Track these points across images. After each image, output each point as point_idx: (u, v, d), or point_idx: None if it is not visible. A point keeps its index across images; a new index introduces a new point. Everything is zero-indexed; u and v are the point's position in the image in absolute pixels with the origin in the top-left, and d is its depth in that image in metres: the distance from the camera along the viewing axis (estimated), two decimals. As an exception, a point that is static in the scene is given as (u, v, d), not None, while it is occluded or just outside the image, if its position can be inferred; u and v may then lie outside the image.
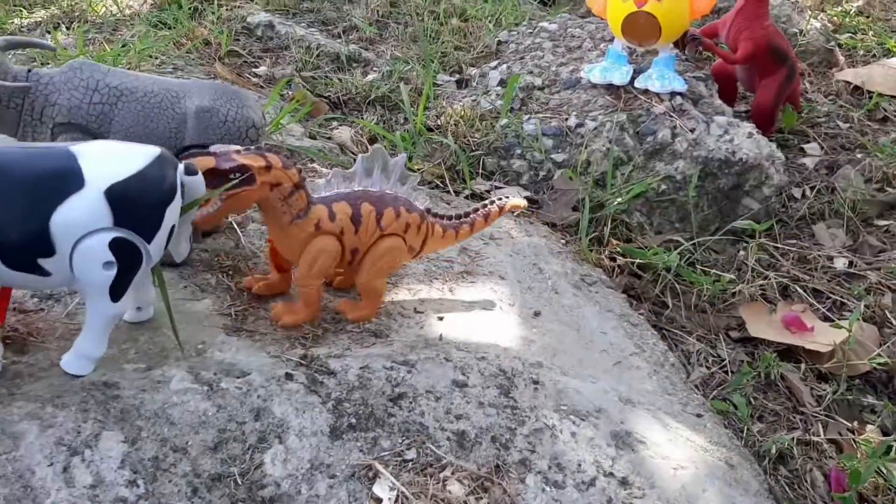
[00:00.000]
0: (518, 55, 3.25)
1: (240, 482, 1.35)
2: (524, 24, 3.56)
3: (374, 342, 1.74)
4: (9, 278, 1.37)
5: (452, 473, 1.44)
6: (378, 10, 3.68)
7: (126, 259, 1.36)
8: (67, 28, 2.97)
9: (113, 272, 1.35)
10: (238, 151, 1.57)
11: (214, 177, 1.52)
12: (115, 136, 1.69)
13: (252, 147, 1.60)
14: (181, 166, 1.43)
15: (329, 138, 2.70)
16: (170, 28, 3.12)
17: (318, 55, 3.14)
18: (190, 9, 3.28)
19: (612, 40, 2.95)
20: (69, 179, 1.32)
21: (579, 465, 1.53)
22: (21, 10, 3.13)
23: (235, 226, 2.03)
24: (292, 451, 1.41)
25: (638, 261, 2.48)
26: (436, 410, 1.56)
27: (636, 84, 2.84)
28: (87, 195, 1.32)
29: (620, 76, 2.87)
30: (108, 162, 1.36)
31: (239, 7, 3.35)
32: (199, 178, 1.45)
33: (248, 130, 1.75)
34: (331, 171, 1.76)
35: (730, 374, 2.20)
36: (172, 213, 1.41)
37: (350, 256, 1.74)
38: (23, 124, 1.71)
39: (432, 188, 2.59)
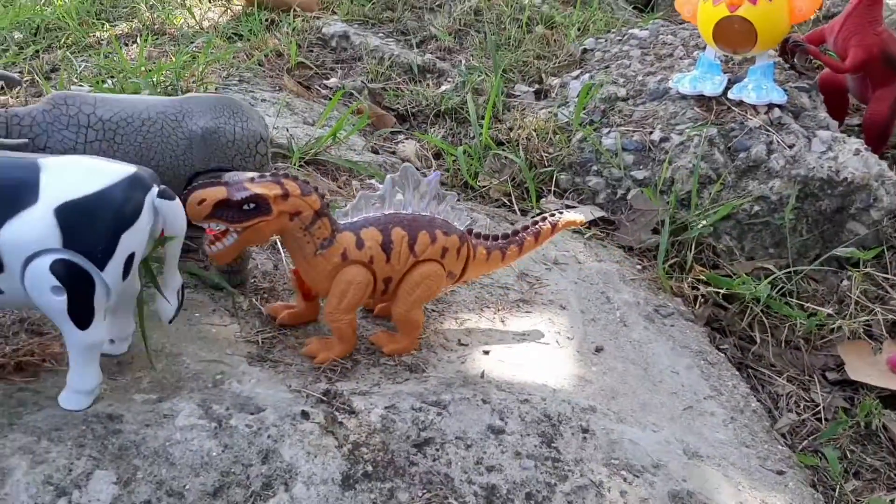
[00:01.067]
0: (603, 64, 3.05)
1: (236, 534, 1.22)
2: (613, 32, 3.35)
3: (408, 378, 1.59)
4: None
5: (475, 536, 1.27)
6: (460, 20, 3.55)
7: (74, 284, 1.25)
8: (145, 40, 2.97)
9: (63, 297, 1.25)
10: (252, 179, 1.44)
11: (227, 208, 1.41)
12: None
13: (268, 174, 1.47)
14: (154, 190, 1.30)
15: (393, 152, 2.58)
16: (244, 39, 3.08)
17: (390, 66, 3.04)
18: (267, 20, 3.24)
19: (704, 48, 2.71)
20: (24, 193, 1.22)
21: (626, 532, 1.34)
22: (103, 24, 3.16)
23: (280, 246, 1.92)
24: (298, 500, 1.28)
25: (724, 290, 2.24)
26: (465, 460, 1.40)
27: (730, 95, 2.59)
28: (37, 212, 1.22)
29: (712, 86, 2.63)
30: (69, 178, 1.25)
31: (316, 18, 3.28)
32: (176, 203, 1.32)
33: (258, 145, 1.63)
34: (358, 194, 1.62)
35: (823, 421, 1.94)
36: (131, 240, 1.27)
37: (383, 286, 1.59)
38: None
39: (497, 206, 2.43)
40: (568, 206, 2.48)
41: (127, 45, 3.00)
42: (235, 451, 1.33)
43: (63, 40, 2.99)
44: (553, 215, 1.82)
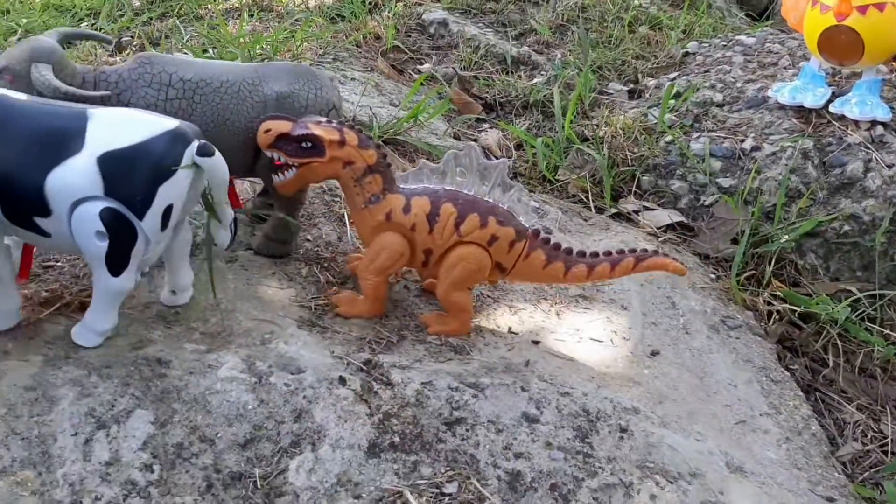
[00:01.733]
0: (703, 68, 2.96)
1: (259, 486, 1.26)
2: (719, 37, 3.25)
3: (451, 358, 1.59)
4: (13, 233, 1.37)
5: (492, 518, 1.27)
6: (563, 15, 3.51)
7: (117, 232, 1.30)
8: (250, 16, 3.07)
9: (105, 244, 1.30)
10: (318, 122, 1.54)
11: (287, 142, 1.52)
12: None
13: (335, 121, 1.55)
14: (194, 146, 1.34)
15: (475, 140, 2.58)
16: (345, 20, 3.15)
17: (484, 55, 3.04)
18: (370, 3, 3.30)
19: (809, 58, 2.59)
20: (71, 141, 1.29)
21: (649, 536, 1.30)
22: (216, -3, 3.29)
23: (347, 219, 1.96)
24: (322, 461, 1.31)
25: (801, 309, 2.14)
26: (493, 444, 1.39)
27: (831, 108, 2.48)
28: (82, 160, 1.29)
29: (814, 98, 2.51)
30: (113, 129, 1.31)
31: (418, 4, 3.32)
32: (216, 159, 1.36)
33: (329, 112, 1.67)
34: (419, 163, 1.63)
35: (889, 455, 1.83)
36: (169, 192, 1.32)
37: (423, 257, 1.60)
38: None
39: (574, 202, 2.40)
40: (646, 209, 2.42)
41: (234, 19, 3.11)
42: (270, 406, 1.37)
43: (177, 10, 3.13)
44: (645, 251, 1.67)
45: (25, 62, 1.52)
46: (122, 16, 3.01)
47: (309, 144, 1.52)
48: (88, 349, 1.42)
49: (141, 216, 1.31)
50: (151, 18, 3.03)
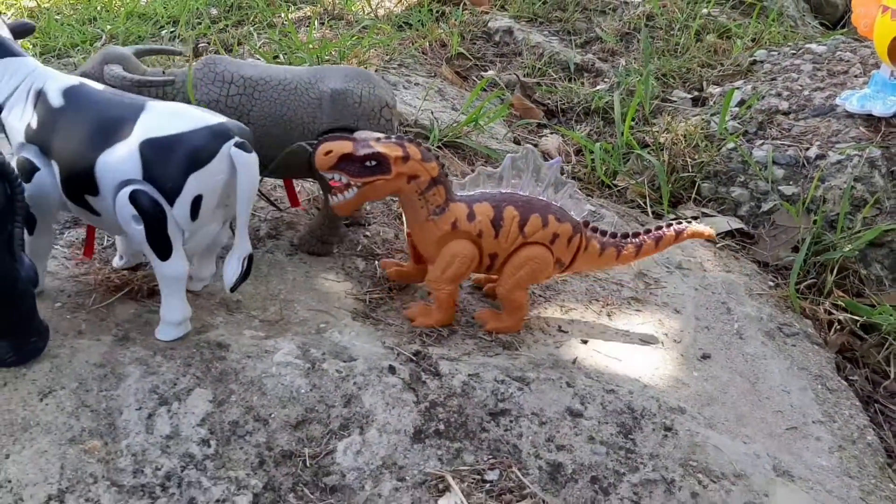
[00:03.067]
0: (770, 76, 2.93)
1: (308, 464, 1.32)
2: (789, 45, 3.20)
3: (500, 353, 1.63)
4: (71, 209, 1.47)
5: (531, 506, 1.29)
6: (630, 23, 3.52)
7: (148, 214, 1.37)
8: (321, 24, 3.17)
9: (141, 226, 1.38)
10: (378, 139, 1.52)
11: (351, 162, 1.48)
12: (255, 126, 1.68)
13: (393, 136, 1.55)
14: (232, 141, 1.39)
15: (536, 145, 2.61)
16: (412, 28, 3.22)
17: (548, 62, 3.07)
18: (437, 12, 3.36)
19: (880, 66, 2.54)
20: (124, 128, 1.38)
21: (688, 532, 1.31)
22: (289, 6, 3.41)
23: (404, 217, 2.01)
24: (369, 444, 1.35)
25: (863, 319, 2.10)
26: (536, 435, 1.42)
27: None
28: (128, 144, 1.37)
29: (883, 107, 2.47)
30: (161, 119, 1.39)
31: (484, 13, 3.37)
32: (251, 157, 1.40)
33: (382, 110, 1.72)
34: (477, 169, 1.67)
35: (950, 471, 1.78)
36: (199, 182, 1.38)
37: (489, 261, 1.63)
38: None
39: (631, 207, 2.40)
40: (705, 215, 2.41)
41: (305, 26, 3.22)
42: (322, 391, 1.43)
43: (251, 18, 3.25)
44: (680, 223, 1.79)
45: (99, 65, 1.65)
46: (200, 23, 3.15)
47: (374, 163, 1.49)
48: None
49: (171, 202, 1.38)
50: (227, 26, 3.16)
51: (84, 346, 1.45)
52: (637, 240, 1.75)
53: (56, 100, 1.45)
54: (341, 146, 1.48)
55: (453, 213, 1.59)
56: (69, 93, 1.46)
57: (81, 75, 1.64)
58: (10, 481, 1.21)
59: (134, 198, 1.36)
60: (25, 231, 1.39)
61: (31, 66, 1.51)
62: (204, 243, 1.52)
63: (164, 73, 1.72)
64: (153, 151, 1.37)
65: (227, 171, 1.40)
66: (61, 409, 1.32)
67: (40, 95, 1.47)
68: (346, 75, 1.73)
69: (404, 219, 1.65)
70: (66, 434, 1.29)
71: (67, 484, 1.22)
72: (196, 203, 1.40)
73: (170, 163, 1.37)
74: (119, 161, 1.38)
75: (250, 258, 1.46)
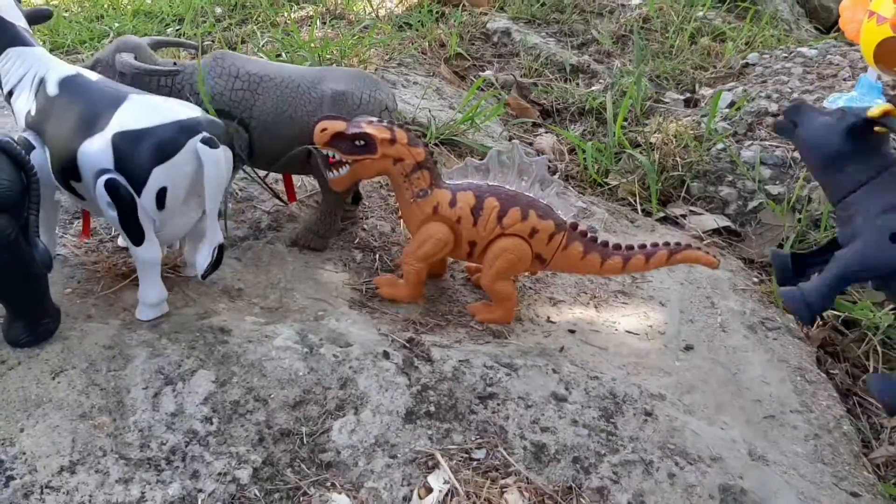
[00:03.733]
0: (761, 79, 3.01)
1: (305, 442, 1.39)
2: (780, 48, 3.28)
3: (490, 341, 1.70)
4: (63, 192, 1.55)
5: (515, 483, 1.37)
6: (626, 25, 3.59)
7: (120, 201, 1.44)
8: (323, 24, 3.24)
9: (115, 213, 1.45)
10: (370, 122, 1.65)
11: (342, 140, 1.62)
12: (256, 120, 1.76)
13: (385, 121, 1.66)
14: (198, 137, 1.46)
15: (530, 143, 2.68)
16: (412, 29, 3.29)
17: (544, 63, 3.14)
18: (437, 13, 3.44)
19: (867, 69, 2.61)
20: (103, 119, 1.46)
21: (664, 509, 1.38)
22: (292, 6, 3.48)
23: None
24: (363, 424, 1.43)
25: (843, 315, 2.17)
26: (522, 418, 1.49)
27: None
28: (103, 136, 1.45)
29: (869, 109, 2.53)
30: (137, 112, 1.46)
31: (483, 14, 3.44)
32: (217, 152, 1.46)
33: (381, 113, 1.79)
34: (465, 160, 1.75)
35: (923, 460, 1.85)
36: (163, 175, 1.45)
37: (468, 248, 1.71)
38: None
39: (622, 205, 2.48)
40: (694, 213, 2.49)
41: (307, 26, 3.29)
42: (319, 374, 1.51)
43: (255, 17, 3.33)
44: (677, 245, 1.75)
45: (112, 53, 1.73)
46: (204, 21, 3.22)
47: (362, 142, 1.62)
48: (160, 317, 1.58)
49: (138, 192, 1.45)
50: (231, 24, 3.24)
51: (93, 328, 1.53)
52: (627, 253, 1.74)
53: (52, 89, 1.55)
54: (335, 125, 1.64)
55: (436, 198, 1.69)
56: (63, 83, 1.56)
57: (95, 62, 1.73)
58: (24, 453, 1.29)
59: (107, 186, 1.43)
60: None
61: (38, 56, 1.59)
62: (182, 231, 1.59)
63: (174, 64, 1.79)
64: (124, 143, 1.44)
65: (194, 164, 1.47)
66: (72, 387, 1.40)
67: (41, 84, 1.55)
68: (348, 77, 1.79)
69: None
70: (76, 410, 1.36)
71: (78, 456, 1.29)
72: (161, 194, 1.47)
73: (137, 155, 1.44)
74: (96, 151, 1.45)
75: (220, 247, 1.54)
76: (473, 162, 1.72)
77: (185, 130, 1.46)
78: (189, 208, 1.55)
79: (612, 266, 1.74)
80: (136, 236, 1.49)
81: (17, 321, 1.44)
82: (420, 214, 1.69)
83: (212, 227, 1.52)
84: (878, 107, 1.55)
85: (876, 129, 1.51)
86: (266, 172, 1.98)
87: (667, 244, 1.75)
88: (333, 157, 1.65)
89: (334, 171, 1.67)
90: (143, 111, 1.47)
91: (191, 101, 1.75)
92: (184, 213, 1.54)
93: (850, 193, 1.52)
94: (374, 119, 1.66)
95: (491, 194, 1.68)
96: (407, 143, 1.65)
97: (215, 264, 1.54)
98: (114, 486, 1.26)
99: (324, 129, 1.63)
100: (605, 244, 1.75)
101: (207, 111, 1.72)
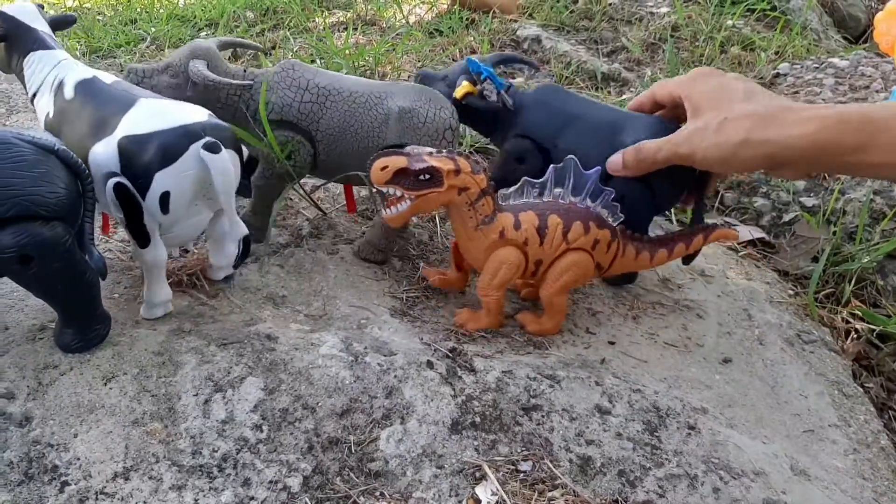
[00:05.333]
0: (792, 89, 3.00)
1: (353, 450, 1.40)
2: (811, 59, 3.27)
3: (531, 352, 1.71)
4: None
5: (562, 495, 1.37)
6: (656, 33, 3.59)
7: (126, 205, 1.45)
8: (355, 30, 3.26)
9: (121, 215, 1.47)
10: (430, 153, 1.58)
11: (405, 176, 1.54)
12: (323, 134, 1.75)
13: (444, 150, 1.62)
14: (201, 142, 1.45)
15: (562, 152, 2.69)
16: (443, 35, 3.30)
17: (575, 70, 3.15)
18: (467, 20, 3.45)
19: (901, 81, 2.61)
20: (112, 123, 1.48)
21: (710, 524, 1.39)
22: (323, 11, 3.50)
23: (436, 219, 2.10)
24: (409, 433, 1.44)
25: (879, 328, 2.17)
26: (567, 430, 1.50)
27: None
28: (110, 140, 1.46)
29: (904, 121, 2.52)
30: (144, 117, 1.47)
31: (513, 21, 3.45)
32: (221, 156, 1.46)
33: (445, 132, 1.77)
34: (521, 180, 1.74)
35: (962, 476, 1.85)
36: (166, 179, 1.45)
37: (534, 268, 1.71)
38: (236, 121, 1.77)
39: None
40: (728, 224, 2.49)
41: (339, 31, 3.31)
42: (365, 383, 1.52)
43: (287, 22, 3.35)
44: (706, 227, 1.90)
45: (185, 59, 1.73)
46: (237, 27, 3.24)
47: (428, 176, 1.55)
48: (209, 324, 1.59)
49: (143, 196, 1.46)
50: (264, 30, 3.26)
51: (142, 335, 1.55)
52: (670, 243, 1.87)
53: (69, 92, 1.58)
54: (396, 161, 1.54)
55: (501, 223, 1.67)
56: (79, 86, 1.58)
57: (167, 66, 1.73)
58: (78, 458, 1.30)
59: (115, 189, 1.44)
60: None
61: (60, 58, 1.61)
62: (193, 233, 1.60)
63: (245, 72, 1.80)
64: (129, 148, 1.45)
65: (197, 168, 1.47)
66: (124, 394, 1.42)
67: (60, 87, 1.58)
68: (414, 93, 1.78)
69: (453, 229, 1.72)
70: (129, 416, 1.38)
71: (132, 463, 1.31)
72: (165, 198, 1.48)
73: (140, 160, 1.45)
74: (104, 155, 1.47)
75: (246, 239, 1.59)
76: (529, 181, 1.72)
77: (187, 135, 1.47)
78: (198, 211, 1.57)
79: (660, 258, 1.85)
80: (142, 239, 1.51)
81: (68, 327, 1.46)
82: (486, 241, 1.66)
83: (233, 223, 1.58)
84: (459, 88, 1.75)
85: None
86: (322, 183, 1.99)
87: (702, 228, 1.89)
88: (391, 194, 1.56)
89: (392, 209, 1.58)
90: (149, 115, 1.49)
91: (257, 113, 1.78)
92: (192, 216, 1.56)
93: None
94: (432, 150, 1.60)
95: (551, 211, 1.68)
96: (471, 172, 1.61)
97: (243, 255, 1.63)
98: (167, 492, 1.28)
99: (384, 168, 1.52)
100: (651, 241, 1.84)
101: (262, 123, 1.73)
